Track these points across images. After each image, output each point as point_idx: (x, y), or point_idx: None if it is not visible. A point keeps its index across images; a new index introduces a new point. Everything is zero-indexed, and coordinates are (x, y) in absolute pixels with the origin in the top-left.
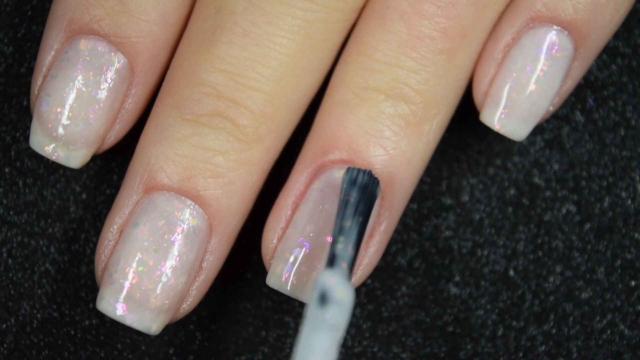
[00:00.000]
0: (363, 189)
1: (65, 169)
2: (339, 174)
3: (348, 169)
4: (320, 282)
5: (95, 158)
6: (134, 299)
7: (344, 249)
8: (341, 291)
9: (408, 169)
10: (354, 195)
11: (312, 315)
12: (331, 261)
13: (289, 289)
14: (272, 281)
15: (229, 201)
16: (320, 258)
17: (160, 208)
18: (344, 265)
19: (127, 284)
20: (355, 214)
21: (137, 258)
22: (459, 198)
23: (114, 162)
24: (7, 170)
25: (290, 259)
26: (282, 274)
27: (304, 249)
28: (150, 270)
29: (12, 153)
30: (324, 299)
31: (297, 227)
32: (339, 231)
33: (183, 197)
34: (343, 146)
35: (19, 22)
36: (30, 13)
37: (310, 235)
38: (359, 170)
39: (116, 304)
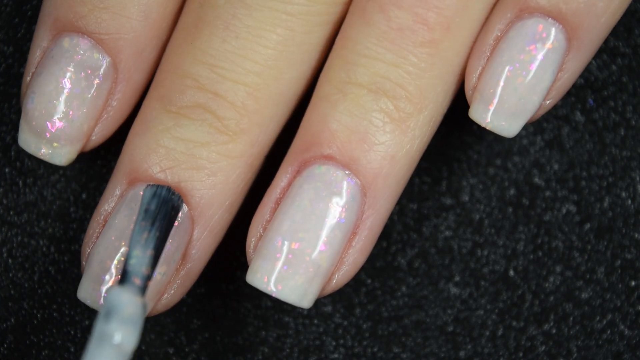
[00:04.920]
0: (162, 203)
1: (65, 168)
2: (319, 169)
3: (148, 185)
4: (109, 299)
5: (94, 158)
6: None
7: (137, 264)
8: (129, 309)
9: (391, 165)
10: (151, 208)
11: (98, 332)
12: (123, 277)
13: (266, 286)
14: (250, 278)
15: (210, 193)
16: (296, 254)
17: (140, 198)
18: (136, 281)
19: (106, 274)
20: (152, 227)
21: (116, 248)
22: (459, 198)
23: (113, 162)
24: (7, 170)
25: (267, 255)
26: (259, 271)
27: (281, 245)
28: None
29: (12, 153)
30: (111, 316)
31: (276, 224)
32: (133, 245)
33: None
34: (324, 142)
35: (19, 22)
36: (30, 13)
37: (288, 232)
38: (158, 185)
39: (96, 293)
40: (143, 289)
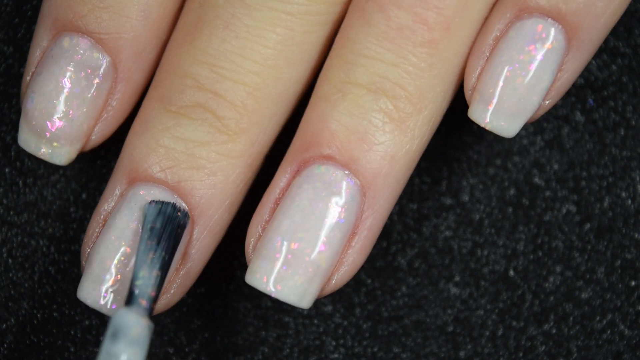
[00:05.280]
0: (168, 221)
1: (65, 168)
2: (318, 170)
3: (152, 201)
4: (115, 320)
5: (95, 158)
6: (113, 289)
7: (144, 285)
8: (136, 330)
9: (391, 165)
10: (157, 226)
11: (105, 352)
12: (129, 298)
13: (265, 286)
14: (249, 278)
15: (210, 192)
16: (295, 254)
17: (140, 198)
18: (142, 302)
19: (106, 274)
20: (158, 246)
21: (116, 248)
22: (459, 198)
23: (113, 162)
24: (7, 170)
25: (266, 255)
26: (258, 271)
27: (280, 245)
28: (129, 259)
29: (12, 153)
30: (117, 336)
31: (275, 224)
32: (139, 266)
33: (164, 188)
34: (324, 142)
35: (19, 22)
36: (30, 13)
37: (287, 232)
38: (163, 202)
39: (96, 293)
40: (150, 311)
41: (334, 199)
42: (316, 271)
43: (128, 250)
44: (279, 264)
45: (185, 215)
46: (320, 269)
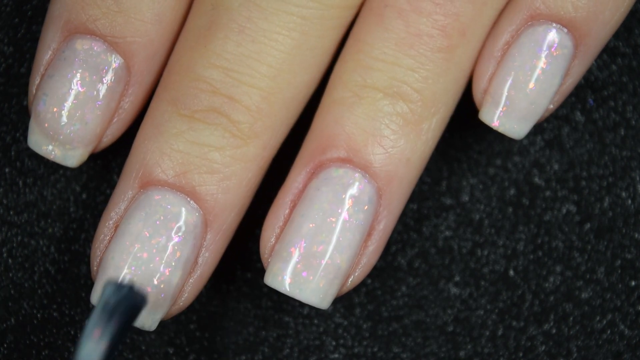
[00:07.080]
0: (123, 299)
1: (65, 169)
2: (336, 172)
3: (110, 281)
4: None
5: (95, 158)
6: None
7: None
8: None
9: (407, 168)
10: (110, 304)
11: None
12: None
13: (286, 288)
14: (269, 280)
15: (225, 197)
16: (317, 256)
17: (155, 203)
18: None
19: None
20: (108, 322)
21: (131, 254)
22: (459, 198)
23: (114, 162)
24: (7, 170)
25: (287, 257)
26: (280, 273)
27: (301, 248)
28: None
29: (12, 153)
30: None
31: (294, 226)
32: (85, 338)
33: (178, 193)
34: (341, 144)
35: (19, 22)
36: (30, 13)
37: (308, 234)
38: (121, 283)
39: None
40: None
41: (353, 202)
42: (337, 273)
43: (145, 258)
44: (300, 266)
45: (144, 299)
46: (341, 270)
